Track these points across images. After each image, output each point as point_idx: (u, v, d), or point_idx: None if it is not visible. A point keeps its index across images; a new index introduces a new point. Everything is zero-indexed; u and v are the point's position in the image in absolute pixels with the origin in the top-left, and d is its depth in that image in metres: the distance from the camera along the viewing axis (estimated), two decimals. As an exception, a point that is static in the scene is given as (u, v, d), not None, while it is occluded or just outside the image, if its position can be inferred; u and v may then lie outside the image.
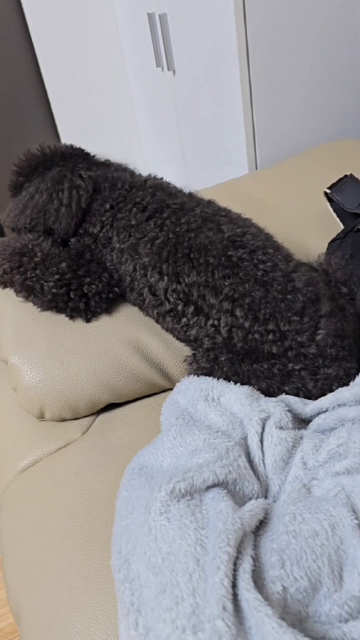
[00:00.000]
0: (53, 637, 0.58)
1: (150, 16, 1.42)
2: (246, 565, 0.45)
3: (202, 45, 1.26)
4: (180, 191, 0.87)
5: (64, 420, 0.82)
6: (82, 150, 0.95)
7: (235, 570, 0.45)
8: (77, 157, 0.93)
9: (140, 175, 0.91)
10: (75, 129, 1.97)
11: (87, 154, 0.96)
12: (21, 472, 0.79)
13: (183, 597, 0.43)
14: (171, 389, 0.85)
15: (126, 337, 0.82)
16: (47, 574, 0.63)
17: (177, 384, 0.70)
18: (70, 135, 1.97)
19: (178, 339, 0.81)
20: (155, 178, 0.89)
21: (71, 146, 0.93)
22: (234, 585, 0.44)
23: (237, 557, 0.46)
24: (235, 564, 0.46)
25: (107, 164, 0.96)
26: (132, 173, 0.93)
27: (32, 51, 1.87)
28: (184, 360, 0.78)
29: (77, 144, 0.97)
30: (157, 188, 0.85)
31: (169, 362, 0.82)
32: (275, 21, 1.13)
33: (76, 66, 1.86)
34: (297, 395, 0.69)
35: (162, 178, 0.89)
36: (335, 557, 0.48)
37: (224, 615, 0.42)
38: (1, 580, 1.18)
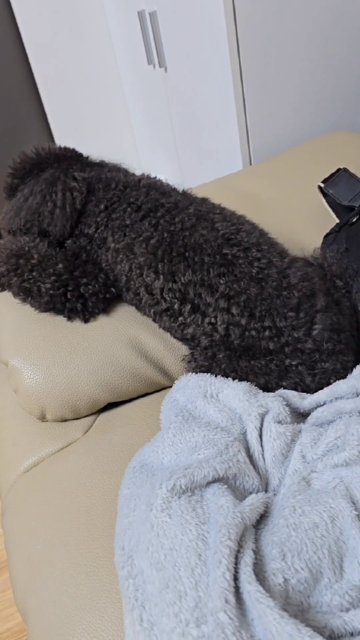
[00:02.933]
0: (60, 635, 0.59)
1: (140, 14, 1.42)
2: (247, 559, 0.46)
3: (193, 42, 1.26)
4: (174, 190, 0.87)
5: (65, 420, 0.83)
6: (76, 152, 0.95)
7: (236, 564, 0.46)
8: (71, 158, 0.93)
9: (134, 174, 0.92)
10: (69, 129, 1.97)
11: (81, 155, 0.96)
12: (24, 473, 0.79)
13: (186, 591, 0.44)
14: (171, 387, 0.86)
15: (125, 336, 0.83)
16: (52, 572, 0.64)
17: (175, 381, 0.71)
18: (63, 135, 1.97)
19: (175, 337, 0.82)
20: (149, 177, 0.89)
21: (65, 148, 0.94)
22: (236, 579, 0.45)
23: (238, 551, 0.47)
24: (236, 557, 0.46)
25: (101, 165, 0.97)
26: (125, 173, 0.93)
27: (23, 52, 1.86)
28: (182, 360, 0.79)
29: (71, 143, 0.97)
30: (151, 187, 0.85)
31: (168, 360, 0.83)
32: (266, 14, 1.13)
33: (68, 66, 1.86)
34: (295, 390, 0.70)
35: (156, 177, 0.90)
36: (336, 548, 0.49)
37: (226, 608, 0.42)
38: (8, 580, 1.19)
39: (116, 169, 0.96)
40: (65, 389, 0.80)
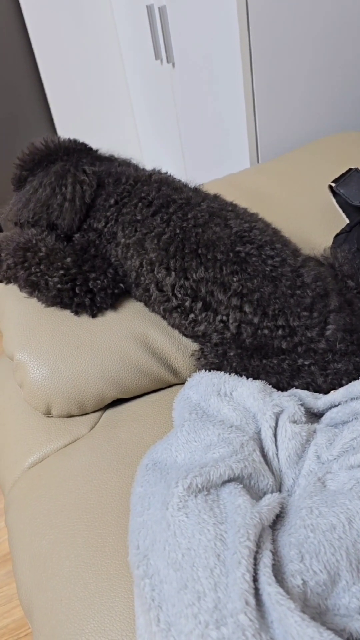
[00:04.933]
0: (68, 634, 0.58)
1: (149, 8, 1.41)
2: (266, 560, 0.45)
3: (202, 38, 1.25)
4: (186, 186, 0.86)
5: (70, 416, 0.82)
6: (86, 145, 0.94)
7: (255, 565, 0.45)
8: (81, 152, 0.92)
9: (144, 169, 0.91)
10: (73, 123, 1.95)
11: (91, 149, 0.95)
12: (29, 469, 0.78)
13: (205, 592, 0.43)
14: (178, 384, 0.85)
15: (132, 333, 0.82)
16: (60, 570, 0.63)
17: (188, 378, 0.70)
18: (67, 129, 1.96)
19: (185, 335, 0.81)
20: (160, 172, 0.88)
21: (75, 141, 0.93)
22: (255, 580, 0.44)
23: (256, 552, 0.46)
24: (255, 558, 0.46)
25: (110, 159, 0.96)
26: (136, 167, 0.92)
27: (29, 45, 1.85)
28: (192, 355, 0.78)
29: (73, 136, 0.96)
30: (163, 183, 0.84)
31: (176, 357, 0.82)
32: (278, 13, 1.13)
33: (73, 59, 1.84)
34: (306, 390, 0.69)
35: (167, 172, 0.89)
36: (353, 550, 0.48)
37: (246, 610, 0.42)
38: (5, 576, 1.18)
39: (126, 163, 0.95)
40: (71, 384, 0.79)
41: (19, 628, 1.09)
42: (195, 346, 0.80)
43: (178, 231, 0.76)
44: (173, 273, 0.75)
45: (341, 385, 0.69)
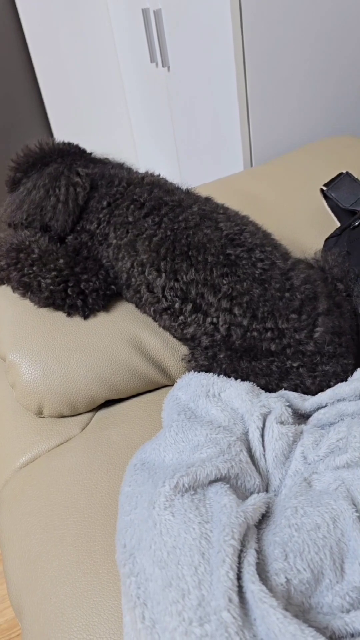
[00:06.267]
0: (56, 632, 0.58)
1: (145, 12, 1.42)
2: (250, 558, 0.46)
3: (197, 41, 1.26)
4: (178, 188, 0.87)
5: (62, 416, 0.83)
6: (80, 148, 0.95)
7: (239, 563, 0.46)
8: (75, 154, 0.93)
9: (137, 172, 0.91)
10: (69, 125, 1.96)
11: (85, 151, 0.96)
12: (20, 469, 0.79)
13: (189, 589, 0.44)
14: (169, 386, 0.85)
15: (124, 334, 0.83)
16: (49, 569, 0.64)
17: (177, 380, 0.71)
18: (63, 131, 1.96)
19: (175, 337, 0.81)
20: (152, 175, 0.89)
21: (69, 143, 0.93)
22: (239, 578, 0.45)
23: (241, 550, 0.47)
24: (239, 557, 0.46)
25: (104, 162, 0.96)
26: (129, 170, 0.93)
27: (25, 48, 1.85)
28: (182, 359, 0.78)
29: (71, 140, 0.97)
30: (155, 185, 0.85)
31: (167, 359, 0.83)
32: (272, 16, 1.14)
33: (69, 62, 1.85)
34: (295, 391, 0.70)
35: (160, 175, 0.90)
36: (337, 549, 0.49)
37: (230, 607, 0.42)
38: (-2, 576, 1.18)
39: (119, 166, 0.96)
40: (63, 385, 0.79)
41: (11, 628, 1.09)
42: (186, 348, 0.81)
43: (169, 233, 0.77)
44: (163, 274, 0.76)
45: (329, 387, 0.69)
